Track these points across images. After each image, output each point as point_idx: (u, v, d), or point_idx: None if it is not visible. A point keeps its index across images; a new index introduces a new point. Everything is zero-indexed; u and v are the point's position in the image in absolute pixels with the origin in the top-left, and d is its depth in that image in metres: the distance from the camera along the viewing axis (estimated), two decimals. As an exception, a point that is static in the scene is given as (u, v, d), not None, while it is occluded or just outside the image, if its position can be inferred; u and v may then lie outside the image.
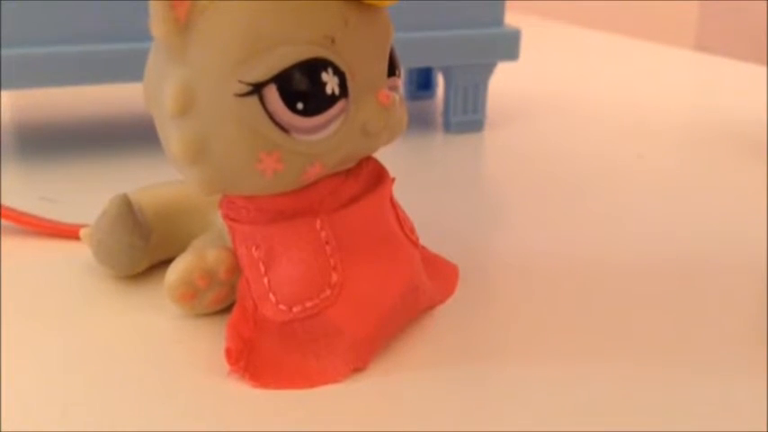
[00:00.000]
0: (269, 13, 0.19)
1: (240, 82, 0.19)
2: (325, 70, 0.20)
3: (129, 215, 0.25)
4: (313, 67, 0.19)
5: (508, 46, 0.44)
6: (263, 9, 0.19)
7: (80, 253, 0.28)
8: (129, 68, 0.36)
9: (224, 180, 0.20)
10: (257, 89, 0.19)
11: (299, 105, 0.20)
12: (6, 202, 0.31)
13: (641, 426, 0.20)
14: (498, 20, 0.44)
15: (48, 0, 0.36)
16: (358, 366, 0.22)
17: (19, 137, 0.44)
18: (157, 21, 0.19)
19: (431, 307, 0.25)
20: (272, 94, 0.19)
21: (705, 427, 0.20)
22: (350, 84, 0.20)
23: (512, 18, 0.46)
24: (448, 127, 0.45)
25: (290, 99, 0.19)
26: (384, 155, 0.23)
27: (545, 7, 0.96)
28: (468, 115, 0.45)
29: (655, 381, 0.22)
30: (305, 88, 0.19)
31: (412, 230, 0.24)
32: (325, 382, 0.21)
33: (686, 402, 0.21)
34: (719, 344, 0.24)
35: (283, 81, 0.19)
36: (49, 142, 0.43)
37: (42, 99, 0.51)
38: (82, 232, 0.27)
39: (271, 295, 0.22)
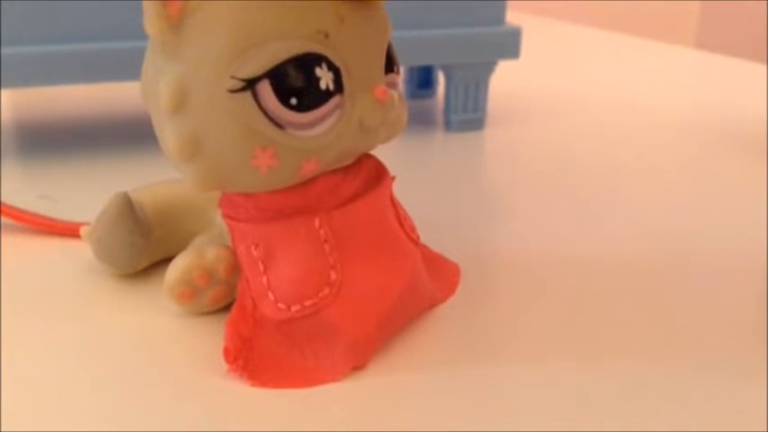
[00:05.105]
0: (261, 9, 0.19)
1: (233, 78, 0.19)
2: (319, 65, 0.20)
3: (129, 213, 0.25)
4: (306, 62, 0.19)
5: (509, 44, 0.44)
6: (254, 5, 0.19)
7: (80, 251, 0.28)
8: (129, 67, 0.36)
9: (219, 176, 0.20)
10: (250, 85, 0.19)
11: (293, 101, 0.19)
12: (6, 200, 0.31)
13: (641, 426, 0.20)
14: (499, 18, 0.43)
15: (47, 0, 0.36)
16: (357, 365, 0.22)
17: (19, 135, 0.44)
18: (151, 19, 0.19)
19: (431, 306, 0.25)
20: (265, 89, 0.19)
21: (705, 428, 0.20)
22: (345, 79, 0.20)
23: (513, 16, 0.46)
24: (448, 125, 0.45)
25: (283, 94, 0.19)
26: (384, 153, 0.23)
27: (546, 6, 0.96)
28: (468, 114, 0.45)
29: (655, 380, 0.22)
30: (298, 83, 0.19)
31: (412, 229, 0.24)
32: (324, 381, 0.21)
33: (686, 402, 0.21)
34: (719, 344, 0.23)
35: (276, 76, 0.19)
36: (49, 141, 0.43)
37: (42, 98, 0.51)
38: (82, 230, 0.27)
39: (270, 294, 0.22)
